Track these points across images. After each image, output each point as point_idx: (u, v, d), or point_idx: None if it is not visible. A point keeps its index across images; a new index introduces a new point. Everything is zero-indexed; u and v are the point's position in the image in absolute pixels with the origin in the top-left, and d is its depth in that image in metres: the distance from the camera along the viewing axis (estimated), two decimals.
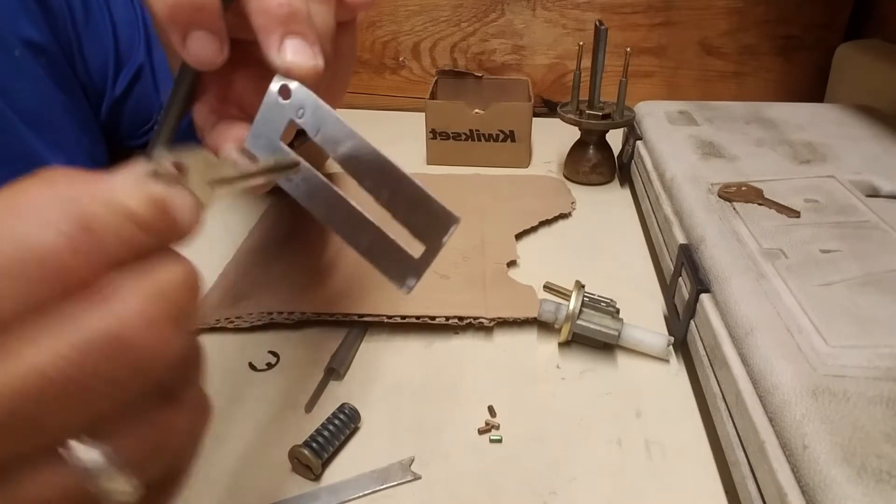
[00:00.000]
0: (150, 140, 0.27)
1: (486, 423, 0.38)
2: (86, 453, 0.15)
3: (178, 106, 0.26)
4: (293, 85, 0.24)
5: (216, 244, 0.56)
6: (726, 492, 0.34)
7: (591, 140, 0.67)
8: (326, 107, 0.23)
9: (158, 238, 0.17)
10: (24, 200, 0.16)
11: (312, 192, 0.24)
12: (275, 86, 0.24)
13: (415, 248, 0.24)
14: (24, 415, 0.14)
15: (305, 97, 0.24)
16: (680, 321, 0.43)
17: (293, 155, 0.24)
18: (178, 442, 0.18)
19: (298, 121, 0.24)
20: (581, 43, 0.65)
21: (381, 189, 0.23)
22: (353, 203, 0.24)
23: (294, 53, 0.23)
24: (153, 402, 0.17)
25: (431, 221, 0.23)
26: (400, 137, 0.79)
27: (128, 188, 0.17)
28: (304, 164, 0.24)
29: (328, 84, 0.31)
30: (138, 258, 0.16)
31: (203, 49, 0.23)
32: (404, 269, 0.24)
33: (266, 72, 0.24)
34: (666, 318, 0.47)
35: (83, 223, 0.15)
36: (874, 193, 0.49)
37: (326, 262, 0.51)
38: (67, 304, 0.15)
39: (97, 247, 0.15)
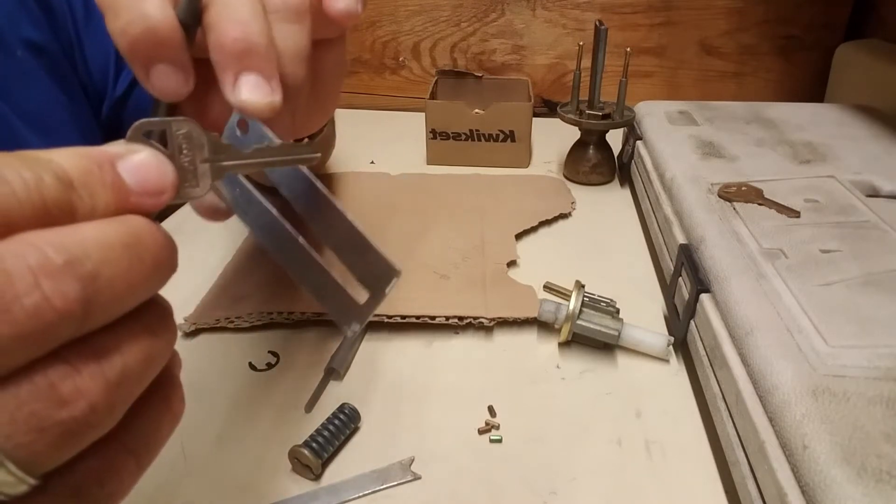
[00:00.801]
0: None
1: (486, 423, 0.38)
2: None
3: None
4: (251, 121, 0.23)
5: (216, 244, 0.56)
6: (726, 492, 0.34)
7: (591, 140, 0.67)
8: (279, 142, 0.23)
9: (92, 194, 0.17)
10: None
11: (266, 226, 0.24)
12: (233, 119, 0.24)
13: (362, 294, 0.24)
14: None
15: (262, 133, 0.23)
16: (680, 321, 0.43)
17: (253, 190, 0.23)
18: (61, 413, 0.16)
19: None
20: (581, 43, 0.65)
21: (329, 233, 0.23)
22: (305, 244, 0.24)
23: (248, 91, 0.22)
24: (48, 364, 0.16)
25: (375, 272, 0.23)
26: (400, 137, 0.79)
27: (67, 150, 0.17)
28: (260, 197, 0.24)
29: (313, 100, 0.30)
30: (56, 214, 0.16)
31: (167, 82, 0.23)
32: (349, 314, 0.24)
33: None
34: (666, 318, 0.47)
35: None
36: (874, 193, 0.49)
37: (327, 263, 0.51)
38: None
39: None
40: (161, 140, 0.20)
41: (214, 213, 0.25)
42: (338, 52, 0.30)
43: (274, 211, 0.24)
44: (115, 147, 0.18)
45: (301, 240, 0.24)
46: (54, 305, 0.15)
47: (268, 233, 0.24)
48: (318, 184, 0.23)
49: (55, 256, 0.15)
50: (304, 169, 0.23)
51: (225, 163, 0.22)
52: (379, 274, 0.23)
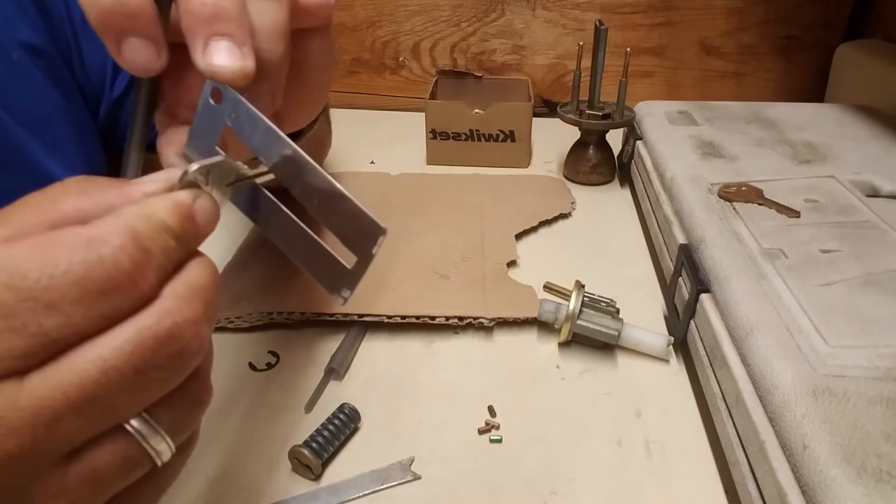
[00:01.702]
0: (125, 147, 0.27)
1: (486, 423, 0.38)
2: (143, 426, 0.19)
3: (142, 113, 0.26)
4: (224, 88, 0.23)
5: (216, 244, 0.56)
6: (726, 492, 0.34)
7: (591, 140, 0.67)
8: (256, 111, 0.23)
9: (187, 244, 0.20)
10: (63, 208, 0.19)
11: (252, 200, 0.24)
12: (206, 89, 0.23)
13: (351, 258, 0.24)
14: (97, 401, 0.17)
15: (236, 101, 0.23)
16: (680, 321, 0.43)
17: (231, 161, 0.23)
18: (201, 411, 0.21)
19: (231, 125, 0.23)
20: (581, 43, 0.65)
21: (311, 197, 0.23)
22: (290, 213, 0.24)
23: (218, 55, 0.22)
24: (188, 382, 0.20)
25: (361, 232, 0.23)
26: (400, 137, 0.79)
27: (160, 201, 0.19)
28: (245, 170, 0.24)
29: (299, 90, 0.30)
30: (173, 263, 0.19)
31: (138, 56, 0.22)
32: (339, 280, 0.24)
33: None
34: (666, 318, 0.47)
35: (135, 239, 0.18)
36: (874, 193, 0.49)
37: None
38: (126, 308, 0.18)
39: (148, 260, 0.18)
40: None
41: None
42: (322, 41, 0.29)
43: (257, 183, 0.24)
44: (186, 196, 0.20)
45: (287, 211, 0.24)
46: (205, 345, 0.20)
47: (249, 203, 0.24)
48: (298, 148, 0.23)
49: (200, 309, 0.19)
50: (283, 134, 0.23)
51: (244, 181, 0.23)
52: (364, 235, 0.23)
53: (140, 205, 0.19)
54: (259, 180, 0.24)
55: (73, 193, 0.19)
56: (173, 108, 0.27)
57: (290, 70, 0.29)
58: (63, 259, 0.17)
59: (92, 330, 0.17)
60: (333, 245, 0.24)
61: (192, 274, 0.20)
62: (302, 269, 0.24)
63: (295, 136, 0.43)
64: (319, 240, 0.24)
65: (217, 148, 0.24)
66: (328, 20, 0.29)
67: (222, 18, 0.22)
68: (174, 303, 0.19)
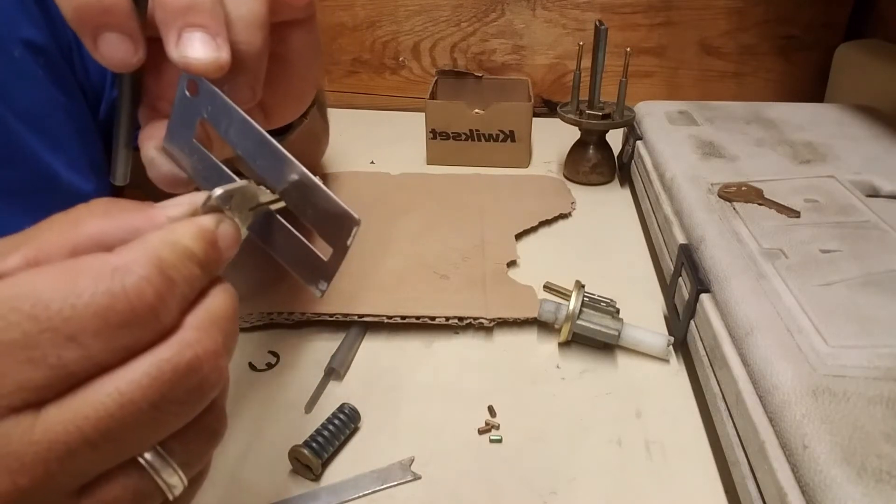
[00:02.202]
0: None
1: (486, 423, 0.38)
2: (156, 460, 0.18)
3: (126, 110, 0.26)
4: (199, 80, 0.23)
5: None
6: (726, 492, 0.34)
7: (591, 140, 0.67)
8: (231, 104, 0.23)
9: (210, 271, 0.20)
10: (86, 230, 0.18)
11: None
12: (182, 82, 0.23)
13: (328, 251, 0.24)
14: (112, 436, 0.17)
15: (212, 93, 0.23)
16: (680, 321, 0.43)
17: (212, 157, 0.23)
18: (216, 443, 0.21)
19: (207, 117, 0.23)
20: (581, 43, 0.65)
21: (288, 190, 0.23)
22: (268, 206, 0.23)
23: (191, 47, 0.22)
24: (203, 413, 0.20)
25: (336, 223, 0.22)
26: (400, 137, 0.79)
27: (184, 227, 0.19)
28: (219, 163, 0.24)
29: (284, 84, 0.30)
30: (195, 291, 0.19)
31: (115, 51, 0.22)
32: (316, 273, 0.24)
33: None
34: (666, 318, 0.47)
35: (159, 268, 0.18)
36: (874, 193, 0.49)
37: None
38: (147, 339, 0.18)
39: (171, 290, 0.18)
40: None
41: (174, 184, 0.25)
42: (305, 34, 0.29)
43: (234, 177, 0.23)
44: (209, 222, 0.20)
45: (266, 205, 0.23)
46: (223, 377, 0.19)
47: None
48: (273, 141, 0.22)
49: (220, 340, 0.19)
50: (258, 126, 0.22)
51: (264, 206, 0.23)
52: (339, 226, 0.22)
53: (165, 231, 0.19)
54: (280, 204, 0.23)
55: (97, 216, 0.19)
56: (155, 102, 0.26)
57: (274, 63, 0.29)
58: (87, 289, 0.16)
59: (111, 362, 0.17)
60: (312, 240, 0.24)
61: (213, 303, 0.19)
62: (278, 260, 0.24)
63: (285, 131, 0.43)
64: (296, 232, 0.24)
65: (195, 142, 0.24)
66: (311, 13, 0.28)
67: (195, 10, 0.22)
68: (195, 334, 0.18)
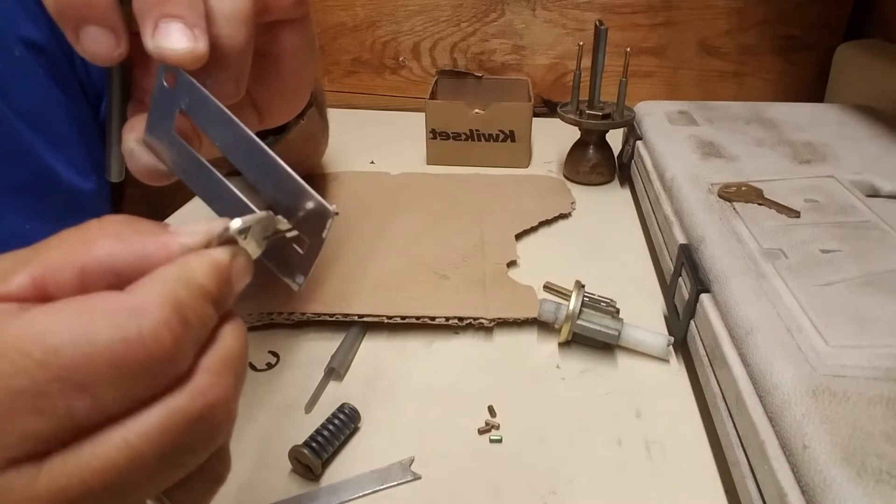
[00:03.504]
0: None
1: (486, 423, 0.38)
2: None
3: (117, 105, 0.26)
4: (177, 71, 0.22)
5: None
6: (726, 492, 0.34)
7: (591, 140, 0.67)
8: (208, 94, 0.22)
9: (222, 308, 0.19)
10: (96, 253, 0.18)
11: (207, 184, 0.24)
12: (160, 73, 0.23)
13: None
14: (117, 487, 0.16)
15: (189, 84, 0.22)
16: (680, 321, 0.43)
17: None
18: (219, 487, 0.20)
19: (185, 109, 0.23)
20: (581, 43, 0.65)
21: (264, 181, 0.22)
22: (247, 201, 0.23)
23: (167, 37, 0.22)
24: (209, 459, 0.19)
25: (311, 216, 0.22)
26: (400, 137, 0.79)
27: (199, 262, 0.18)
28: (200, 157, 0.24)
29: (277, 83, 0.30)
30: (208, 331, 0.18)
31: (97, 45, 0.22)
32: (292, 266, 0.23)
33: None
34: (666, 318, 0.47)
35: (176, 310, 0.17)
36: (874, 193, 0.49)
37: (326, 263, 0.51)
38: (161, 387, 0.17)
39: (188, 333, 0.17)
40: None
41: (154, 176, 0.25)
42: (299, 33, 0.29)
43: (214, 170, 0.23)
44: (224, 256, 0.19)
45: (246, 200, 0.23)
46: (233, 420, 0.19)
47: (209, 191, 0.23)
48: (249, 132, 0.22)
49: (233, 383, 0.18)
50: (234, 118, 0.22)
51: (279, 235, 0.22)
52: (315, 218, 0.22)
53: (179, 266, 0.18)
54: (292, 234, 0.23)
55: (109, 236, 0.18)
56: (144, 97, 0.26)
57: (266, 63, 0.29)
58: (101, 335, 0.16)
59: (122, 411, 0.16)
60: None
61: (226, 343, 0.19)
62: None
63: (281, 131, 0.43)
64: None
65: (175, 134, 0.23)
66: (303, 12, 0.28)
67: (172, 0, 0.22)
68: (208, 379, 0.17)
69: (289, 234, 0.23)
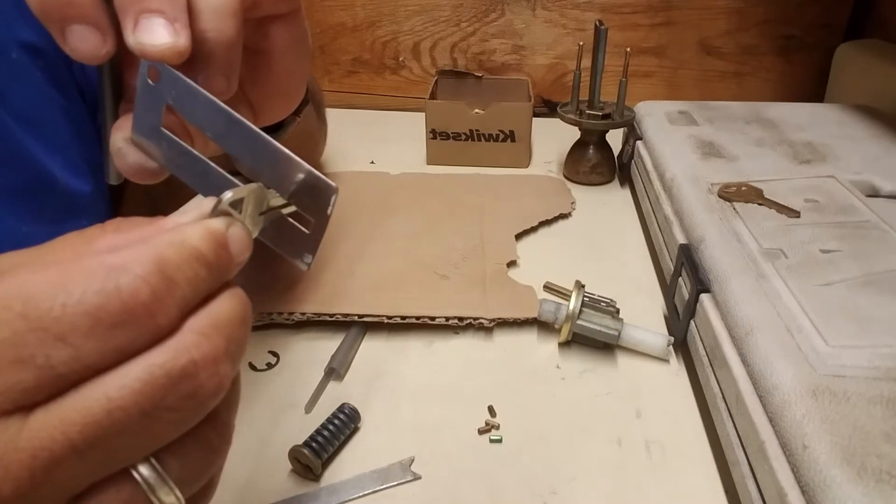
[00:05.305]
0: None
1: (486, 423, 0.38)
2: (150, 473, 0.17)
3: (109, 105, 0.26)
4: (160, 66, 0.22)
5: None
6: (726, 492, 0.34)
7: (591, 140, 0.67)
8: (195, 86, 0.22)
9: (219, 274, 0.19)
10: (98, 246, 0.18)
11: (202, 176, 0.24)
12: (143, 68, 0.23)
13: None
14: (101, 444, 0.16)
15: (174, 78, 0.22)
16: (680, 321, 0.43)
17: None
18: (218, 460, 0.20)
19: (172, 103, 0.23)
20: (581, 43, 0.65)
21: (262, 167, 0.22)
22: (244, 187, 0.23)
23: (147, 32, 0.22)
24: (203, 426, 0.19)
25: (315, 195, 0.22)
26: (400, 137, 0.79)
27: (192, 227, 0.19)
28: (190, 148, 0.24)
29: (270, 79, 0.30)
30: (200, 294, 0.18)
31: (83, 43, 0.22)
32: (300, 247, 0.23)
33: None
34: (666, 318, 0.47)
35: (160, 267, 0.17)
36: (874, 193, 0.49)
37: (326, 262, 0.51)
38: (142, 342, 0.17)
39: (170, 291, 0.17)
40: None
41: (144, 174, 0.25)
42: (290, 29, 0.29)
43: (207, 160, 0.23)
44: (219, 224, 0.20)
45: (238, 183, 0.23)
46: (224, 386, 0.18)
47: (204, 182, 0.23)
48: (241, 118, 0.22)
49: (222, 346, 0.18)
50: (224, 105, 0.22)
51: (275, 210, 0.22)
52: (318, 196, 0.22)
53: (171, 231, 0.18)
54: (288, 210, 0.23)
55: (109, 232, 0.19)
56: (135, 96, 0.26)
57: (258, 59, 0.29)
58: (78, 288, 0.16)
59: (103, 364, 0.16)
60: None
61: (218, 307, 0.19)
62: (262, 239, 0.24)
63: (276, 129, 0.43)
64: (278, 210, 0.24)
65: (163, 129, 0.23)
66: (294, 7, 0.28)
67: None
68: (193, 338, 0.17)
69: (286, 210, 0.23)
